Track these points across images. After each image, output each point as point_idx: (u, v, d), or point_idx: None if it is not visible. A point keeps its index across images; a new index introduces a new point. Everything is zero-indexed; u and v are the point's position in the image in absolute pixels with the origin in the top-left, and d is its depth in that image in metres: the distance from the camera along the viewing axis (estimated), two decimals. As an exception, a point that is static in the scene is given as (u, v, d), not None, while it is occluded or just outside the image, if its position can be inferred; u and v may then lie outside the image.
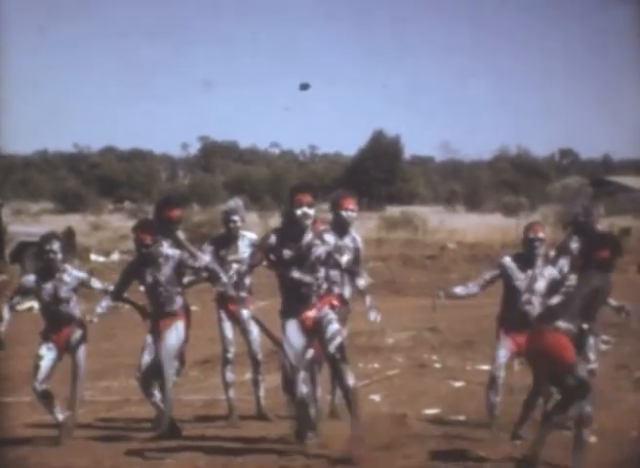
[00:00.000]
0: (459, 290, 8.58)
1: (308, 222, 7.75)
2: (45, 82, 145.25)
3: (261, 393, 9.68)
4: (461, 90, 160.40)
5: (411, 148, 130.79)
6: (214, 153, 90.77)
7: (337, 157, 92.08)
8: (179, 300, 8.59)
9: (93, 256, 28.13)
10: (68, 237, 27.98)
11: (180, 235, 9.15)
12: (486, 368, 11.85)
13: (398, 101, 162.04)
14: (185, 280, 8.97)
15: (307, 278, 7.76)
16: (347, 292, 8.79)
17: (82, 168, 78.55)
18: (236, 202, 9.74)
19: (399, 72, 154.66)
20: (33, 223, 38.03)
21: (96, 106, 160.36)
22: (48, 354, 8.76)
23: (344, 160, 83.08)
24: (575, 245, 8.96)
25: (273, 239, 7.81)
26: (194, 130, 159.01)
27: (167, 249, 8.63)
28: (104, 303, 8.60)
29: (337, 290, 8.53)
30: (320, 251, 7.78)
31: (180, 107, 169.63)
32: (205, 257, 8.91)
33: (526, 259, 8.41)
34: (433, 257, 27.23)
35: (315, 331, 7.76)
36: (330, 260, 7.83)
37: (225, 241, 9.57)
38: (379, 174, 69.96)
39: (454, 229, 35.37)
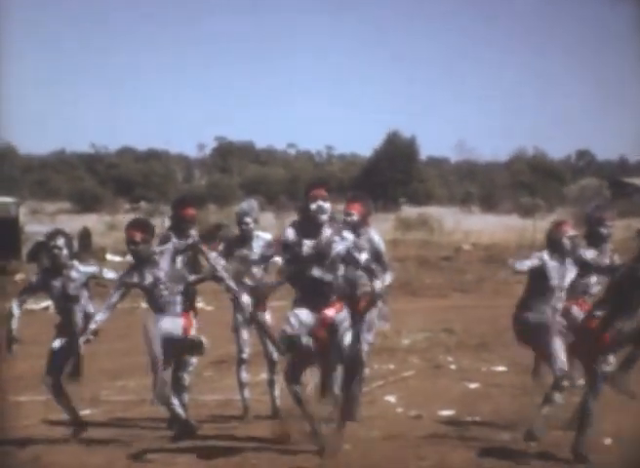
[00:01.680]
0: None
1: (324, 217, 7.52)
2: (61, 82, 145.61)
3: (277, 393, 9.66)
4: (480, 90, 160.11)
5: (426, 149, 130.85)
6: (230, 154, 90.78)
7: (353, 158, 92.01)
8: (181, 301, 8.31)
9: (109, 256, 28.19)
10: (84, 237, 28.08)
11: (194, 234, 9.16)
12: (501, 369, 11.85)
13: (415, 102, 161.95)
14: (191, 278, 8.96)
15: (327, 276, 7.53)
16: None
17: (99, 168, 78.71)
18: (249, 203, 9.79)
19: (418, 73, 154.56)
20: (50, 223, 38.14)
21: (112, 107, 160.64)
22: (60, 348, 8.77)
23: (361, 160, 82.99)
24: (589, 254, 8.84)
25: (291, 233, 7.59)
26: (210, 130, 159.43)
27: (159, 246, 8.57)
28: (99, 317, 8.17)
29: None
30: (340, 247, 7.54)
31: (195, 108, 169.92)
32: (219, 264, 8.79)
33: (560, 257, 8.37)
34: (449, 258, 27.19)
35: (330, 332, 7.58)
36: (349, 258, 7.57)
37: (240, 242, 9.61)
38: (394, 174, 69.84)
39: (469, 230, 35.29)
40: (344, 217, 9.07)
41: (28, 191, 61.07)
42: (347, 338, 7.59)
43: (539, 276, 8.31)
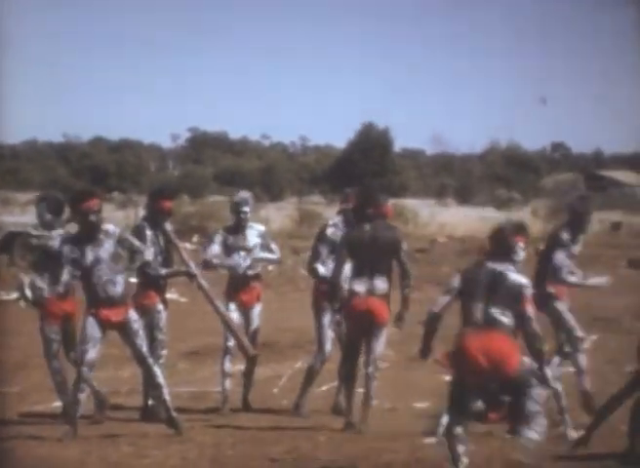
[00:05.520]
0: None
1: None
2: (34, 72, 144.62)
3: (250, 385, 9.74)
4: (454, 83, 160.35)
5: (402, 141, 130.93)
6: (204, 144, 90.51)
7: (328, 149, 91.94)
8: (123, 283, 8.27)
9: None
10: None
11: (168, 227, 9.20)
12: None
13: (390, 94, 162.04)
14: (164, 271, 9.11)
15: None
16: None
17: (71, 158, 78.30)
18: (245, 193, 9.93)
19: (392, 64, 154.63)
20: (21, 213, 37.85)
21: (85, 96, 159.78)
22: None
23: (336, 152, 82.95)
24: (566, 236, 8.92)
25: None
26: (184, 121, 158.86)
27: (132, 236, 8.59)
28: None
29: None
30: None
31: (169, 98, 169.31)
32: (148, 252, 8.80)
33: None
34: (424, 251, 27.15)
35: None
36: None
37: (234, 230, 9.74)
38: (369, 166, 69.84)
39: (444, 222, 35.30)
40: (342, 208, 9.48)
41: (-1, 181, 60.65)
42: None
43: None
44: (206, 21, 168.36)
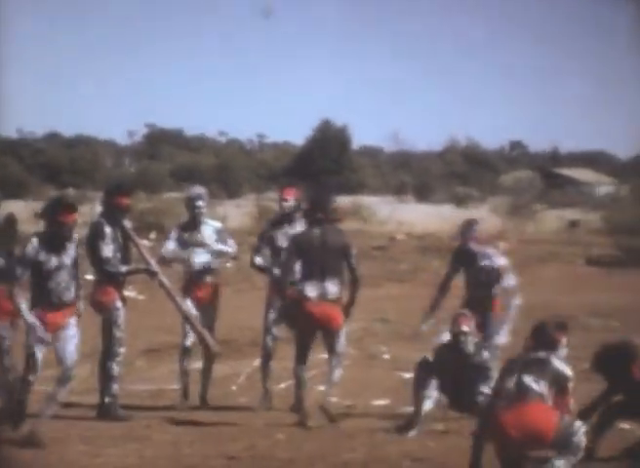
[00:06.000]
0: None
1: None
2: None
3: (208, 383, 9.72)
4: (413, 80, 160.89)
5: (361, 139, 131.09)
6: (160, 141, 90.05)
7: (286, 146, 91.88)
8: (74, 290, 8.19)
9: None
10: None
11: (127, 224, 9.10)
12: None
13: (349, 91, 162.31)
14: (124, 268, 9.01)
15: None
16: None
17: (25, 154, 77.42)
18: (200, 189, 9.92)
19: (350, 62, 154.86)
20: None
21: (40, 92, 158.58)
22: None
23: (294, 149, 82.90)
24: None
25: None
26: (141, 117, 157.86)
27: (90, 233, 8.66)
28: None
29: None
30: None
31: (126, 94, 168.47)
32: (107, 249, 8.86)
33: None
34: (383, 248, 27.18)
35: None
36: None
37: (189, 227, 9.70)
38: (326, 163, 69.85)
39: (403, 220, 35.34)
40: (281, 204, 9.54)
41: (-50, 177, 59.90)
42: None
43: None
44: (161, 19, 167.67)
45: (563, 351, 6.60)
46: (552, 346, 6.53)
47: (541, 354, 6.57)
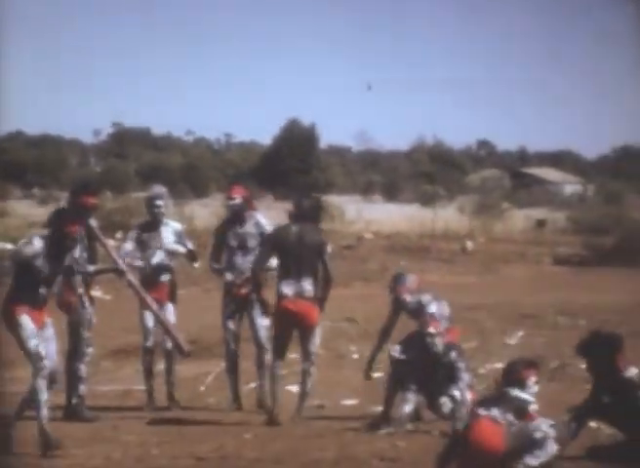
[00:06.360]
0: None
1: None
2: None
3: (173, 383, 9.73)
4: (380, 78, 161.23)
5: (329, 138, 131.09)
6: (126, 140, 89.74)
7: (252, 145, 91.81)
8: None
9: (-2, 243, 27.54)
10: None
11: (93, 223, 9.02)
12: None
13: (316, 89, 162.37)
14: (92, 268, 8.90)
15: None
16: None
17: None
18: (160, 188, 9.84)
19: (317, 60, 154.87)
20: None
21: (3, 90, 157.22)
22: None
23: (260, 148, 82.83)
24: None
25: None
26: (106, 116, 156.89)
27: None
28: None
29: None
30: None
31: (92, 93, 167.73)
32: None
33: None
34: (351, 247, 27.18)
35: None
36: None
37: (149, 227, 9.64)
38: (294, 163, 69.84)
39: (371, 219, 35.36)
40: (227, 202, 9.53)
41: None
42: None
43: None
44: (131, 20, 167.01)
45: (533, 389, 6.59)
46: (520, 384, 6.52)
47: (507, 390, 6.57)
